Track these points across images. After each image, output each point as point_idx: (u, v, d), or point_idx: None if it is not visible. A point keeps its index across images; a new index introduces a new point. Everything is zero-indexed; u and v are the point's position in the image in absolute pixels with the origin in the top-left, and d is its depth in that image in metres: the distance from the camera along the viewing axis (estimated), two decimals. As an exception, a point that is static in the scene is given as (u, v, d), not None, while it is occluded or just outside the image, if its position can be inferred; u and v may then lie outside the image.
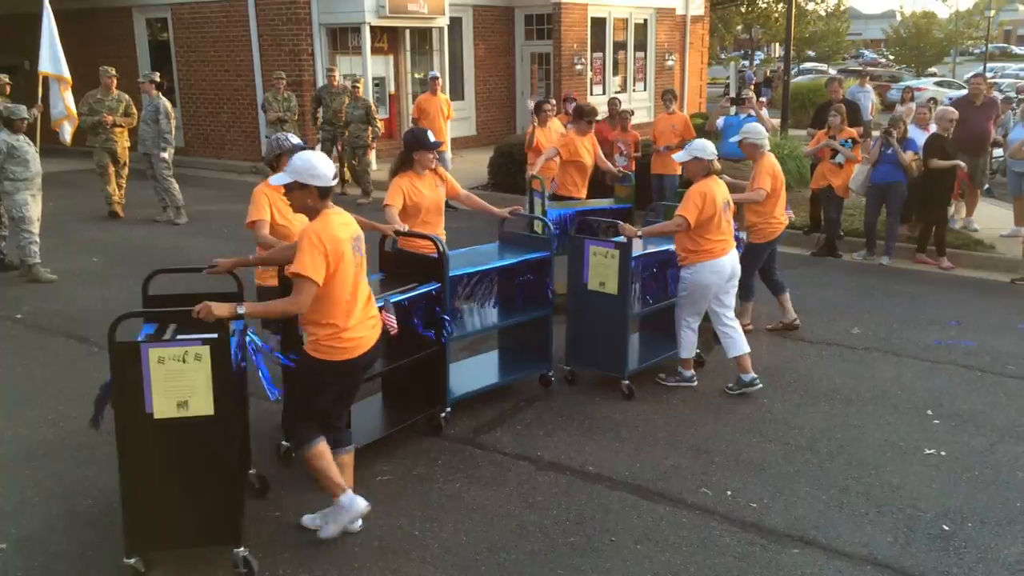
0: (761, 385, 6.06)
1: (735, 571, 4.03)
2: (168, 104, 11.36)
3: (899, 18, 46.74)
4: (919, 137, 9.98)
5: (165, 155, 11.28)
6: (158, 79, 11.48)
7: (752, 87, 21.93)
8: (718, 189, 5.82)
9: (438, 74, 12.75)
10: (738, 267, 6.06)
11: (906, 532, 4.36)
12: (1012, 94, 18.69)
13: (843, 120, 10.00)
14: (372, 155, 13.23)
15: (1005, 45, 64.63)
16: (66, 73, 10.50)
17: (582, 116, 8.09)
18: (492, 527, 4.39)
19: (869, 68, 34.54)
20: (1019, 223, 10.42)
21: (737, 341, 6.03)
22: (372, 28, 15.13)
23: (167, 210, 11.62)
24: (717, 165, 5.88)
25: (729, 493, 4.73)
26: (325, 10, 15.10)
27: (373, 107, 13.07)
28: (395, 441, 5.23)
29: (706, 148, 5.82)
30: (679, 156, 5.98)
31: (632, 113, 11.73)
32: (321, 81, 14.60)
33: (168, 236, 10.88)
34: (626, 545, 4.24)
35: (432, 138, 5.57)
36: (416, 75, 17.18)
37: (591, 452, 5.20)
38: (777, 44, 31.47)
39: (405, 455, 5.13)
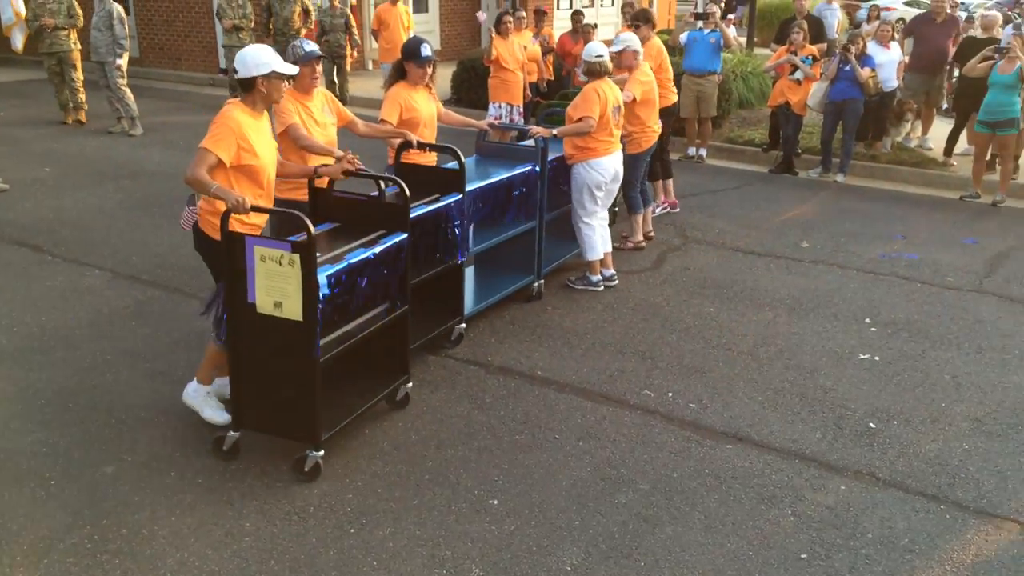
0: (603, 288, 6.40)
1: (671, 465, 4.23)
2: (120, 8, 11.04)
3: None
4: (879, 54, 10.02)
5: (120, 62, 11.02)
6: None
7: (723, 4, 21.65)
8: (609, 90, 6.06)
9: None
10: (621, 169, 6.31)
11: (834, 429, 4.58)
12: (975, 14, 18.63)
13: (805, 36, 10.00)
14: (348, 64, 13.00)
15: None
16: (13, -24, 10.16)
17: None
18: (441, 426, 4.54)
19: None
20: (970, 143, 10.56)
21: (593, 245, 6.30)
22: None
23: (121, 121, 11.41)
24: (608, 66, 6.08)
25: (670, 395, 4.91)
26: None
27: (351, 16, 12.83)
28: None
29: (593, 50, 6.07)
30: (613, 47, 6.30)
31: (595, 27, 11.62)
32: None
33: (123, 147, 10.72)
34: (568, 442, 4.42)
35: (426, 52, 5.52)
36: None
37: (540, 358, 5.35)
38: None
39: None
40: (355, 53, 12.98)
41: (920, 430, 4.60)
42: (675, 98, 8.33)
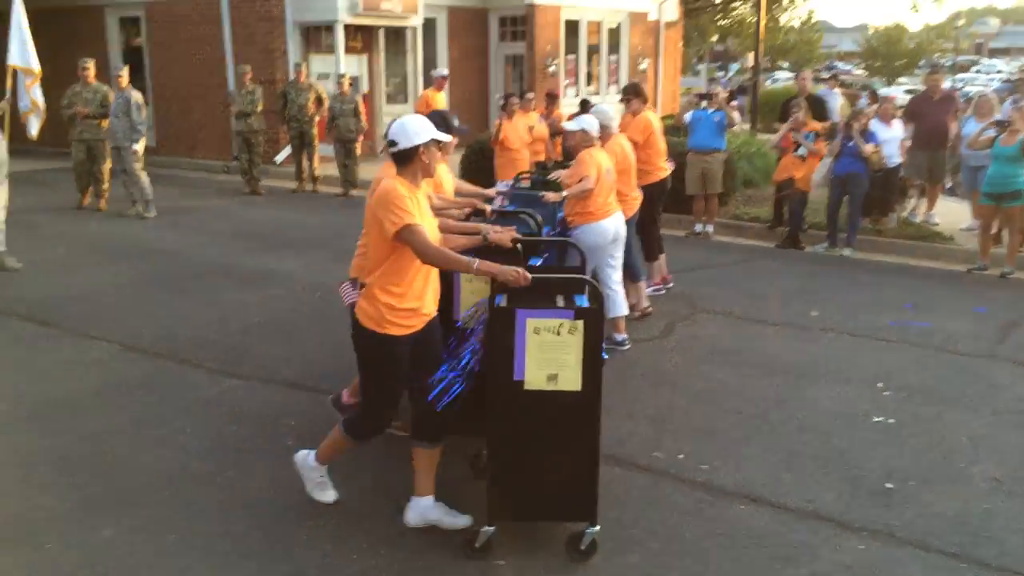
0: (629, 346, 6.50)
1: (682, 525, 4.12)
2: (139, 96, 11.37)
3: (871, 31, 47.37)
4: (882, 131, 10.16)
5: (137, 147, 11.27)
6: (125, 74, 11.45)
7: (728, 92, 22.18)
8: (601, 156, 6.25)
9: (446, 72, 12.99)
10: (622, 230, 6.44)
11: (850, 490, 4.46)
12: (972, 94, 18.95)
13: (806, 113, 10.18)
14: (359, 148, 13.31)
15: (976, 57, 65.54)
16: (35, 66, 10.45)
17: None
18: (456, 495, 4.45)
19: (842, 75, 34.97)
20: (976, 216, 10.61)
21: (617, 303, 6.44)
22: (346, 27, 15.21)
23: (136, 204, 11.60)
24: (592, 136, 6.27)
25: (681, 457, 4.82)
26: (299, 8, 15.17)
27: (360, 103, 13.21)
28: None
29: (593, 123, 6.29)
30: (569, 125, 6.45)
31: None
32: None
33: (136, 229, 10.87)
34: (577, 503, 4.31)
35: (457, 123, 5.43)
36: (393, 78, 17.31)
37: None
38: (752, 54, 31.73)
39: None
40: (362, 137, 13.27)
41: (938, 490, 4.48)
42: (664, 174, 8.08)
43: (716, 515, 4.22)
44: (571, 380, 3.60)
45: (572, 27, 19.67)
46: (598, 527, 3.82)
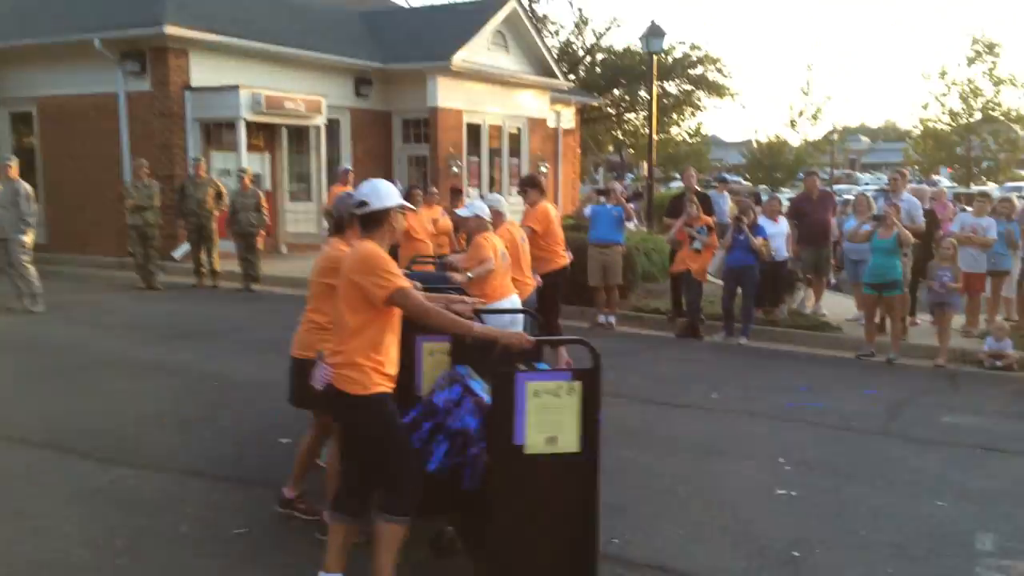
0: None
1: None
2: (28, 187, 11.00)
3: (754, 144, 50.13)
4: (769, 227, 10.69)
5: (25, 238, 10.84)
6: (14, 164, 11.10)
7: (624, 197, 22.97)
8: (496, 240, 6.47)
9: (350, 167, 13.03)
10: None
11: (759, 559, 4.50)
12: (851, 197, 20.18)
13: (699, 208, 10.64)
14: (260, 242, 13.14)
15: (851, 172, 70.04)
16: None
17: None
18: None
19: (731, 184, 36.96)
20: (860, 307, 11.16)
21: None
22: (248, 124, 15.23)
23: (22, 298, 11.09)
24: (487, 221, 6.47)
25: (592, 531, 4.77)
26: (199, 105, 15.14)
27: (262, 197, 13.11)
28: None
29: (485, 209, 6.53)
30: (462, 212, 6.71)
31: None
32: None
33: (23, 323, 10.37)
34: None
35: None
36: (296, 177, 17.34)
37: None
38: (646, 163, 33.25)
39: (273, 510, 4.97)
40: (263, 233, 13.16)
41: (844, 557, 4.56)
42: (564, 261, 8.39)
43: (625, 587, 4.18)
44: (570, 442, 3.60)
45: (474, 130, 20.23)
46: None
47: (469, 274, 6.13)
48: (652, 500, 5.25)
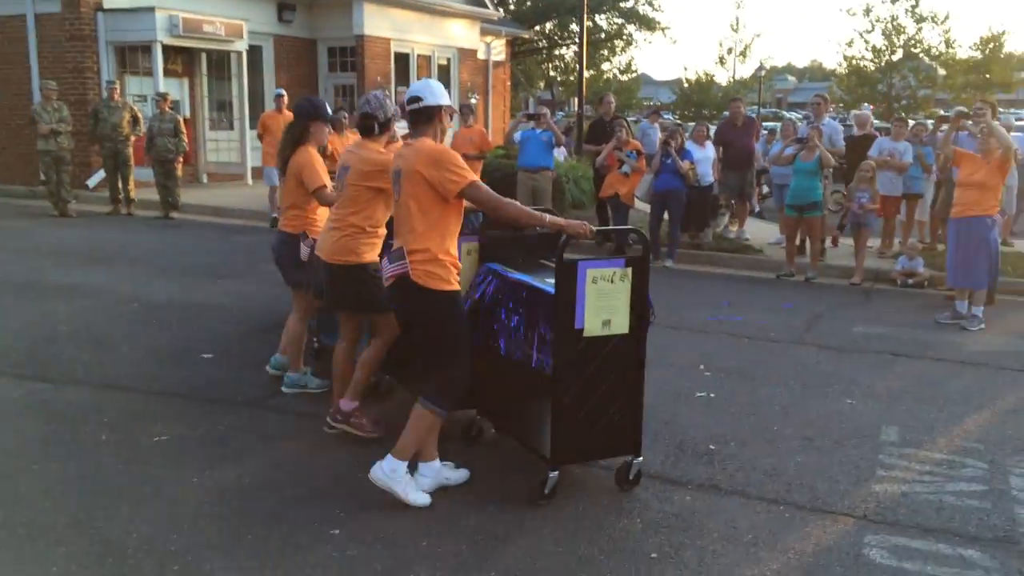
0: None
1: (515, 489, 4.12)
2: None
3: (685, 84, 50.37)
4: (695, 151, 10.79)
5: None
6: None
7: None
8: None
9: (283, 92, 12.51)
10: None
11: (676, 452, 4.64)
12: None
13: (628, 132, 10.67)
14: (179, 169, 12.72)
15: (777, 109, 70.98)
16: None
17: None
18: (279, 472, 4.28)
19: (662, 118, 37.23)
20: (782, 230, 11.42)
21: None
22: (165, 48, 14.64)
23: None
24: None
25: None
26: (112, 27, 14.47)
27: (181, 121, 12.66)
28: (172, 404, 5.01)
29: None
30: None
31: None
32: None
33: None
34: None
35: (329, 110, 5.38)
36: (216, 104, 16.80)
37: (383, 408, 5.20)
38: (576, 100, 33.23)
39: (195, 418, 4.92)
40: (182, 159, 12.76)
41: (756, 449, 4.73)
42: None
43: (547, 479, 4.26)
44: (621, 324, 3.89)
45: (402, 60, 19.83)
46: (642, 458, 4.13)
47: None
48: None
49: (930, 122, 13.75)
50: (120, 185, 12.78)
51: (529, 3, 34.50)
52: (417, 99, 3.82)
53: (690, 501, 4.07)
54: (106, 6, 14.48)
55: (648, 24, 34.25)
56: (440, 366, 3.89)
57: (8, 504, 3.83)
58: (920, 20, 32.78)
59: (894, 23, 32.88)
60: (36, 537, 3.56)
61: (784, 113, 70.38)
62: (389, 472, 3.88)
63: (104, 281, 8.32)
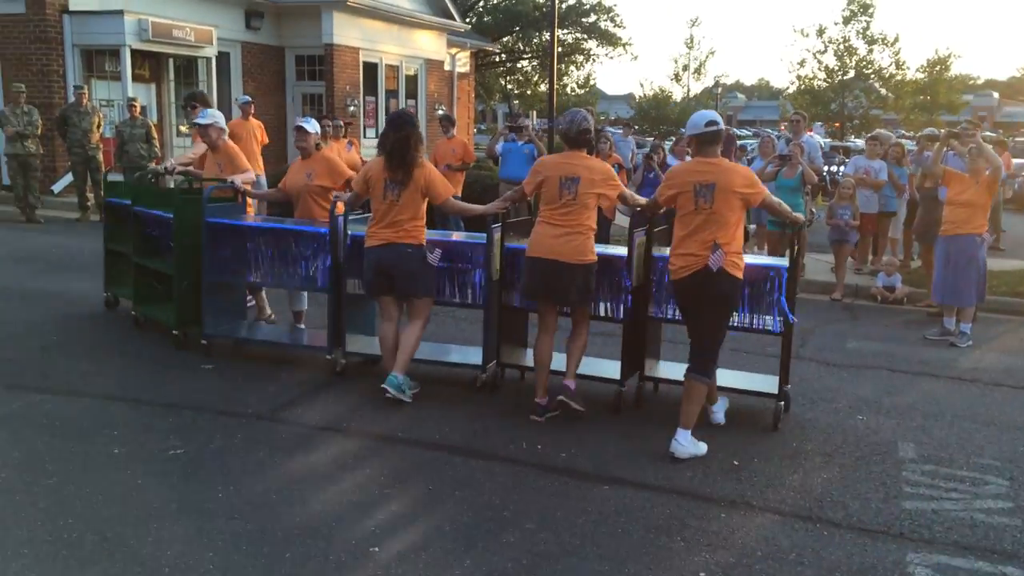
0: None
1: (552, 506, 4.08)
2: None
3: (638, 98, 51.00)
4: (676, 165, 10.86)
5: None
6: None
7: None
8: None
9: (249, 98, 12.21)
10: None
11: (702, 468, 4.62)
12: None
13: (611, 146, 10.70)
14: None
15: (728, 127, 72.18)
16: None
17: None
18: (304, 485, 4.17)
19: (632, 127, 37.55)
20: (761, 247, 11.55)
21: None
22: (133, 52, 14.33)
23: None
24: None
25: (539, 447, 4.80)
26: (80, 30, 14.11)
27: (152, 127, 12.38)
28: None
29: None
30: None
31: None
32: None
33: None
34: (444, 492, 4.17)
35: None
36: (177, 105, 16.48)
37: (398, 420, 5.10)
38: (535, 113, 33.37)
39: (207, 431, 4.77)
40: (155, 164, 12.46)
41: (781, 465, 4.73)
42: None
43: (582, 495, 4.22)
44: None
45: (371, 70, 19.70)
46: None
47: None
48: (596, 414, 5.31)
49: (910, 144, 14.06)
50: (90, 193, 12.44)
51: (488, 17, 34.61)
52: (714, 123, 4.77)
53: (725, 518, 4.06)
54: (72, 8, 14.13)
55: (610, 40, 34.58)
56: (714, 346, 4.76)
57: (30, 521, 3.67)
58: (871, 42, 33.60)
59: (846, 44, 33.62)
60: (67, 556, 3.41)
61: (734, 131, 71.83)
62: (685, 442, 4.68)
63: (87, 288, 8.03)
